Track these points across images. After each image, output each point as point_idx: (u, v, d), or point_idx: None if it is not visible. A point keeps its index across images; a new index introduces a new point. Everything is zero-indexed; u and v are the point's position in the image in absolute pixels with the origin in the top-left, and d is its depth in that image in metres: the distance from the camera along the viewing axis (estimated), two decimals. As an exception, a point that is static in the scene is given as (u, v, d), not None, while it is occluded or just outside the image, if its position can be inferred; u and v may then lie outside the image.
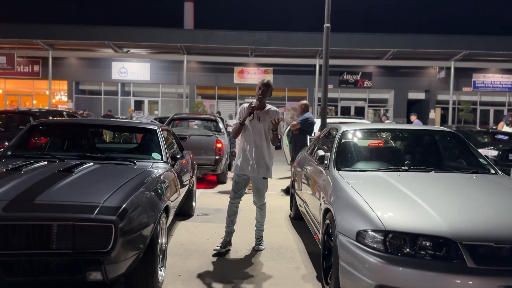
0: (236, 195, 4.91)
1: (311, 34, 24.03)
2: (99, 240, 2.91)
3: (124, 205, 3.10)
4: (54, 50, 25.65)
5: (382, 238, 2.96)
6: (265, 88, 4.76)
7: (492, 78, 27.34)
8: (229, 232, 4.94)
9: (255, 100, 4.82)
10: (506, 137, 11.49)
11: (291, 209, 6.74)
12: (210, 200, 7.67)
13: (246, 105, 4.81)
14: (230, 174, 8.66)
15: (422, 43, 24.55)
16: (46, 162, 4.15)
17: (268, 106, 4.84)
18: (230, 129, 4.96)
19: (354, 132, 5.11)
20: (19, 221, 2.91)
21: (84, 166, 3.97)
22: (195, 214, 6.46)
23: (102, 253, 2.90)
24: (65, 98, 27.52)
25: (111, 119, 9.57)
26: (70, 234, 2.88)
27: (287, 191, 8.18)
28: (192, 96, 27.02)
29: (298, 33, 25.29)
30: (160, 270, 3.72)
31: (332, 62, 12.43)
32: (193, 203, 6.46)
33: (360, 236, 3.08)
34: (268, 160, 4.80)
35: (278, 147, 17.83)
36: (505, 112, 27.36)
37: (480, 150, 9.02)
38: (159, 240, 3.66)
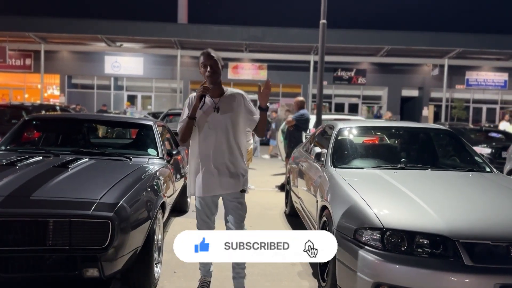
0: (206, 225, 3.45)
1: (306, 30, 24.01)
2: (96, 236, 2.90)
3: (121, 202, 3.08)
4: (47, 43, 25.44)
5: (380, 235, 2.96)
6: (212, 61, 3.29)
7: (485, 76, 27.48)
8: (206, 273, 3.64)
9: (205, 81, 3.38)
10: (499, 135, 11.58)
11: (286, 206, 6.74)
12: (205, 196, 7.65)
13: (193, 95, 3.36)
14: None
15: (416, 40, 24.61)
16: (41, 158, 4.11)
17: (229, 90, 3.44)
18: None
19: (350, 129, 5.11)
20: (15, 217, 2.88)
21: (79, 162, 3.94)
22: (190, 210, 6.45)
23: (99, 249, 2.88)
24: (57, 92, 27.31)
25: (106, 114, 9.52)
26: (66, 231, 2.86)
27: (282, 187, 8.18)
28: (186, 91, 26.92)
29: (293, 29, 25.25)
30: (156, 267, 3.71)
31: (326, 58, 12.41)
32: (188, 199, 6.45)
33: (357, 234, 3.09)
34: (243, 164, 3.43)
35: (266, 142, 17.82)
36: (498, 110, 27.56)
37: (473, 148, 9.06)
38: (156, 237, 3.65)
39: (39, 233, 2.87)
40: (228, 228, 3.40)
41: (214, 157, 3.30)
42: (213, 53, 3.32)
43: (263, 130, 3.47)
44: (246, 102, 3.41)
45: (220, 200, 3.50)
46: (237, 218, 3.38)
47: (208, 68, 3.27)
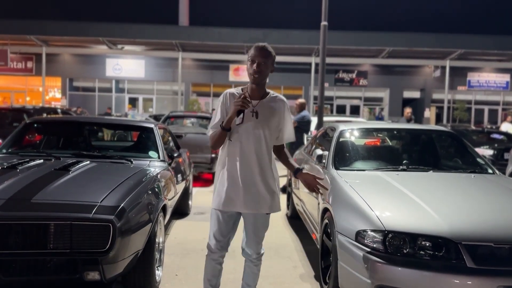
0: (220, 244, 2.97)
1: (307, 32, 24.03)
2: (96, 239, 2.88)
3: (122, 204, 3.07)
4: (48, 46, 25.51)
5: (382, 238, 2.95)
6: (263, 59, 2.78)
7: (487, 77, 27.47)
8: None
9: (246, 87, 2.93)
10: (501, 136, 11.55)
11: (287, 208, 6.72)
12: (206, 199, 7.64)
13: (232, 91, 2.92)
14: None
15: (418, 41, 24.63)
16: (42, 161, 4.10)
17: (271, 93, 2.94)
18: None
19: (352, 131, 5.10)
20: (16, 221, 2.87)
21: (80, 165, 3.93)
22: (191, 212, 6.44)
23: (100, 252, 2.87)
24: (58, 95, 27.38)
25: (107, 117, 9.53)
26: (67, 234, 2.85)
27: (283, 189, 8.17)
28: (187, 93, 26.95)
29: (294, 31, 25.28)
30: (157, 270, 3.70)
31: (327, 60, 12.41)
32: (189, 202, 6.44)
33: (359, 236, 3.07)
34: (274, 183, 2.94)
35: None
36: (500, 111, 27.52)
37: (475, 149, 9.05)
38: (157, 240, 3.64)
39: (40, 236, 2.86)
40: (243, 248, 3.08)
41: (242, 169, 2.84)
42: (269, 49, 2.81)
43: (282, 154, 3.08)
44: (286, 113, 2.96)
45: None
46: (255, 240, 3.02)
47: (255, 66, 2.76)
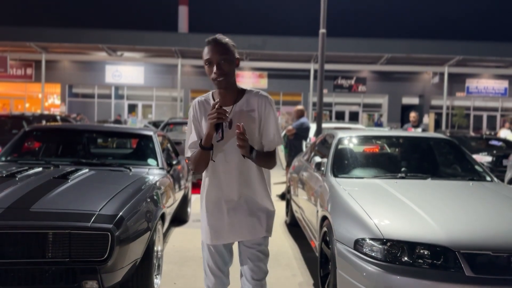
0: (218, 282, 2.54)
1: (306, 39, 24.10)
2: (95, 248, 2.89)
3: (120, 213, 3.07)
4: (48, 53, 25.55)
5: (380, 246, 2.95)
6: (222, 56, 2.28)
7: (485, 83, 27.55)
8: None
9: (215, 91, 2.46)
10: (500, 143, 11.57)
11: (286, 215, 6.72)
12: (205, 206, 7.63)
13: (202, 99, 2.47)
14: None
15: (416, 48, 24.70)
16: (41, 169, 4.11)
17: (246, 92, 2.43)
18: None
19: (350, 138, 5.11)
20: (14, 229, 2.88)
21: (79, 173, 3.93)
22: (190, 220, 6.43)
23: (99, 261, 2.87)
24: (58, 101, 27.40)
25: (106, 125, 9.53)
26: (66, 243, 2.86)
27: (282, 196, 8.17)
28: (187, 99, 26.98)
29: (293, 38, 25.36)
30: (156, 278, 3.69)
31: (326, 66, 12.45)
32: (188, 209, 6.44)
33: (358, 244, 3.07)
34: (267, 198, 2.48)
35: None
36: (498, 118, 27.58)
37: (474, 156, 9.07)
38: (155, 248, 3.64)
39: (38, 245, 2.86)
40: (243, 285, 2.54)
41: (225, 192, 2.40)
42: (224, 41, 2.31)
43: (264, 162, 2.43)
44: (268, 111, 2.40)
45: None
46: (256, 273, 2.47)
47: (215, 69, 2.26)
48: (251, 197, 2.44)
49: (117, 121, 21.34)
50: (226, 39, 2.33)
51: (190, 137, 2.44)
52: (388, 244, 2.94)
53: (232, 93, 2.38)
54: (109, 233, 2.89)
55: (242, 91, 2.42)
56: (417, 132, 5.95)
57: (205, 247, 2.52)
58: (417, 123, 9.30)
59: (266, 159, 2.42)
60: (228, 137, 2.33)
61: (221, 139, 2.29)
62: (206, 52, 2.29)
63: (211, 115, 2.19)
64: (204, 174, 2.47)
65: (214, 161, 2.37)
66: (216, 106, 2.19)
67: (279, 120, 2.48)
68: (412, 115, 9.53)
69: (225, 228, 2.42)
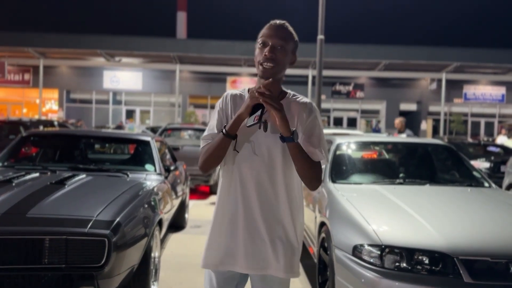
0: None
1: (304, 45, 23.95)
2: (92, 254, 2.87)
3: (117, 219, 3.06)
4: (46, 58, 25.55)
5: (379, 252, 2.94)
6: (281, 41, 1.91)
7: (483, 90, 27.64)
8: None
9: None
10: (498, 149, 11.59)
11: (284, 221, 6.70)
12: (203, 212, 7.62)
13: (236, 92, 2.06)
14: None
15: (414, 54, 24.79)
16: (38, 174, 4.09)
17: (290, 93, 2.06)
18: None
19: (349, 144, 5.10)
20: (10, 235, 2.85)
21: (76, 178, 3.92)
22: (187, 226, 6.41)
23: (95, 267, 2.85)
24: (55, 107, 27.39)
25: (104, 130, 9.52)
26: (62, 249, 2.83)
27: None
28: (185, 105, 26.99)
29: (290, 44, 25.41)
30: (153, 285, 3.67)
31: (324, 73, 12.49)
32: (186, 215, 6.41)
33: (356, 251, 3.06)
34: (294, 233, 1.96)
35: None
36: (496, 124, 27.65)
37: (472, 162, 9.07)
38: (153, 254, 3.61)
39: (35, 251, 2.84)
40: None
41: (247, 208, 1.90)
42: (290, 29, 1.97)
43: (310, 180, 1.91)
44: (311, 120, 1.94)
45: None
46: None
47: (267, 51, 1.87)
48: (279, 219, 1.91)
49: (119, 127, 21.36)
50: (293, 30, 1.99)
51: (209, 128, 1.98)
52: (387, 250, 2.93)
53: (274, 90, 1.83)
54: (106, 239, 2.87)
55: (283, 94, 2.01)
56: (406, 138, 5.94)
57: (207, 278, 2.01)
58: (403, 129, 9.32)
59: (308, 161, 1.86)
60: (259, 142, 1.89)
61: (257, 122, 1.77)
62: (264, 32, 1.94)
63: (255, 92, 1.74)
64: (223, 177, 1.99)
65: (238, 151, 1.90)
66: (257, 91, 1.75)
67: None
68: (396, 122, 9.58)
69: (238, 253, 1.90)
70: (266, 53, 1.86)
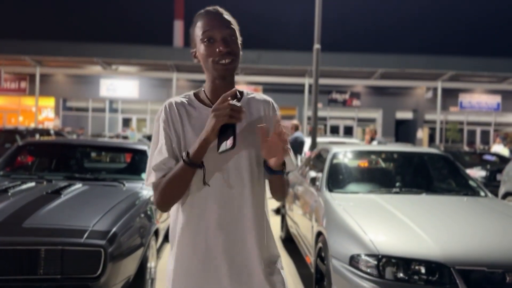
0: None
1: (301, 53, 24.26)
2: (88, 265, 2.86)
3: (114, 229, 3.05)
4: (42, 66, 25.54)
5: (376, 262, 2.94)
6: (228, 30, 1.57)
7: (478, 98, 27.77)
8: None
9: (200, 90, 1.69)
10: (494, 158, 11.63)
11: (281, 230, 6.69)
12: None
13: (178, 100, 1.64)
14: None
15: (410, 63, 24.90)
16: (33, 184, 4.08)
17: (244, 92, 1.72)
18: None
19: (345, 153, 5.11)
20: (6, 246, 2.84)
21: (72, 188, 3.90)
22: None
23: (91, 278, 2.84)
24: (51, 115, 27.32)
25: (100, 139, 9.51)
26: (58, 259, 2.82)
27: (277, 211, 8.14)
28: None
29: (287, 52, 25.52)
30: (149, 295, 3.65)
31: (321, 81, 12.53)
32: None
33: (353, 261, 3.06)
34: (273, 244, 1.70)
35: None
36: (491, 132, 27.76)
37: (468, 171, 9.07)
38: (149, 264, 3.60)
39: (30, 262, 2.83)
40: None
41: (219, 235, 1.54)
42: (226, 12, 1.63)
43: (278, 191, 1.68)
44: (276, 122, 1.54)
45: None
46: None
47: (221, 46, 1.55)
48: (261, 241, 1.60)
49: (118, 136, 21.32)
50: (228, 14, 1.64)
51: (156, 153, 1.56)
52: (384, 260, 2.94)
53: (230, 87, 1.57)
54: (102, 250, 2.86)
55: (240, 93, 1.70)
56: (401, 147, 5.96)
57: None
58: (374, 136, 9.79)
59: (285, 183, 1.66)
60: (223, 155, 1.47)
61: (232, 147, 1.41)
62: (204, 24, 1.58)
63: (219, 110, 1.40)
64: (175, 213, 1.60)
65: (209, 185, 1.52)
66: (229, 98, 1.41)
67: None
68: (367, 130, 9.98)
69: (220, 281, 1.54)
70: (221, 48, 1.54)
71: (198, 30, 1.60)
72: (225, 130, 1.43)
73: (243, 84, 26.86)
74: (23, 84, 26.78)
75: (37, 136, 10.26)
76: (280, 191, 1.66)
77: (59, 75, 26.93)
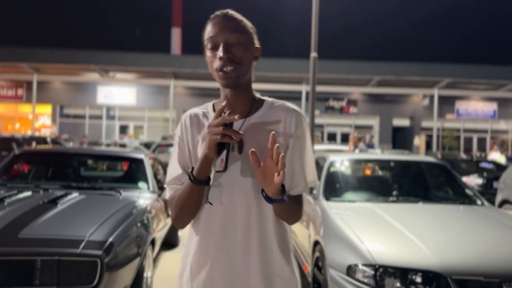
0: None
1: (297, 61, 24.34)
2: (84, 275, 2.85)
3: (110, 239, 3.04)
4: (40, 73, 25.54)
5: (373, 272, 2.94)
6: (235, 35, 1.48)
7: (475, 105, 27.89)
8: None
9: (218, 101, 1.63)
10: (490, 165, 11.66)
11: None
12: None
13: (196, 111, 1.61)
14: None
15: (406, 71, 25.01)
16: (30, 193, 4.07)
17: (266, 100, 1.61)
18: None
19: (342, 161, 5.12)
20: (2, 256, 2.83)
21: (69, 197, 3.89)
22: (180, 243, 6.36)
23: (87, 289, 2.83)
24: (48, 122, 27.28)
25: (97, 148, 9.49)
26: (54, 269, 2.81)
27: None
28: (179, 120, 26.95)
29: (284, 60, 25.59)
30: (146, 305, 3.64)
31: (318, 88, 12.56)
32: (179, 233, 6.37)
33: (350, 270, 3.06)
34: (290, 267, 1.60)
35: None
36: (488, 139, 27.85)
37: (464, 178, 9.09)
38: (145, 274, 3.59)
39: (26, 272, 2.82)
40: None
41: (223, 257, 1.47)
42: (239, 17, 1.53)
43: (289, 215, 1.51)
44: (300, 133, 1.53)
45: None
46: None
47: (222, 53, 1.45)
48: (268, 264, 1.49)
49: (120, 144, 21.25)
50: (242, 16, 1.55)
51: (171, 168, 1.57)
52: (381, 270, 2.93)
53: (245, 99, 1.55)
54: (98, 260, 2.85)
55: (261, 100, 1.60)
56: (398, 155, 5.98)
57: None
58: (357, 144, 10.03)
59: (293, 207, 1.50)
60: (237, 169, 1.46)
61: (224, 170, 1.36)
62: (209, 31, 1.50)
63: (212, 128, 1.34)
64: (190, 230, 1.55)
65: (211, 204, 1.47)
66: (223, 113, 1.35)
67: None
68: (350, 137, 10.21)
69: None
70: (221, 55, 1.44)
71: (205, 35, 1.53)
72: (221, 149, 1.37)
73: (240, 91, 26.86)
74: (20, 91, 26.76)
75: (34, 144, 10.25)
76: (287, 217, 1.51)
77: (56, 82, 26.93)
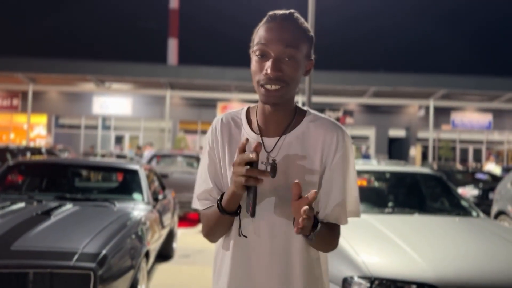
0: None
1: (293, 71, 24.39)
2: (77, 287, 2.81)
3: (104, 251, 3.01)
4: (35, 83, 25.51)
5: (369, 285, 2.92)
6: (289, 47, 1.30)
7: (470, 117, 28.03)
8: None
9: (254, 107, 1.49)
10: (486, 177, 11.68)
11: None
12: (192, 240, 7.53)
13: (228, 117, 1.47)
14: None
15: (402, 81, 25.13)
16: (23, 204, 4.03)
17: (308, 114, 1.46)
18: None
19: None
20: (-7, 269, 2.79)
21: (63, 209, 3.86)
22: (175, 255, 6.31)
23: (80, 302, 2.79)
24: (43, 132, 27.19)
25: (92, 159, 9.46)
26: (47, 282, 2.78)
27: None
28: (175, 130, 26.97)
29: (280, 71, 25.66)
30: (140, 318, 3.59)
31: (314, 99, 12.59)
32: (174, 244, 6.32)
33: (346, 283, 3.04)
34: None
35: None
36: (484, 150, 27.96)
37: (460, 189, 9.09)
38: (139, 287, 3.55)
39: (19, 285, 2.79)
40: None
41: (259, 274, 1.38)
42: (300, 22, 1.36)
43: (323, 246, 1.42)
44: (341, 155, 1.40)
45: None
46: None
47: (271, 70, 1.29)
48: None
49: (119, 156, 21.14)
50: (303, 22, 1.37)
51: (201, 180, 1.47)
52: (377, 282, 2.91)
53: (284, 114, 1.40)
54: (91, 272, 2.82)
55: (302, 113, 1.45)
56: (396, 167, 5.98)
57: None
58: None
59: (329, 237, 1.39)
60: (266, 192, 1.34)
61: (252, 215, 1.25)
62: (261, 33, 1.33)
63: (236, 168, 1.20)
64: (220, 247, 1.47)
65: (246, 237, 1.36)
66: (251, 152, 1.18)
67: None
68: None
69: None
70: (269, 72, 1.28)
71: (256, 37, 1.35)
72: (249, 190, 1.24)
73: (237, 102, 26.95)
74: (16, 101, 26.70)
75: (28, 155, 10.20)
76: (319, 247, 1.40)
77: (52, 92, 26.90)
